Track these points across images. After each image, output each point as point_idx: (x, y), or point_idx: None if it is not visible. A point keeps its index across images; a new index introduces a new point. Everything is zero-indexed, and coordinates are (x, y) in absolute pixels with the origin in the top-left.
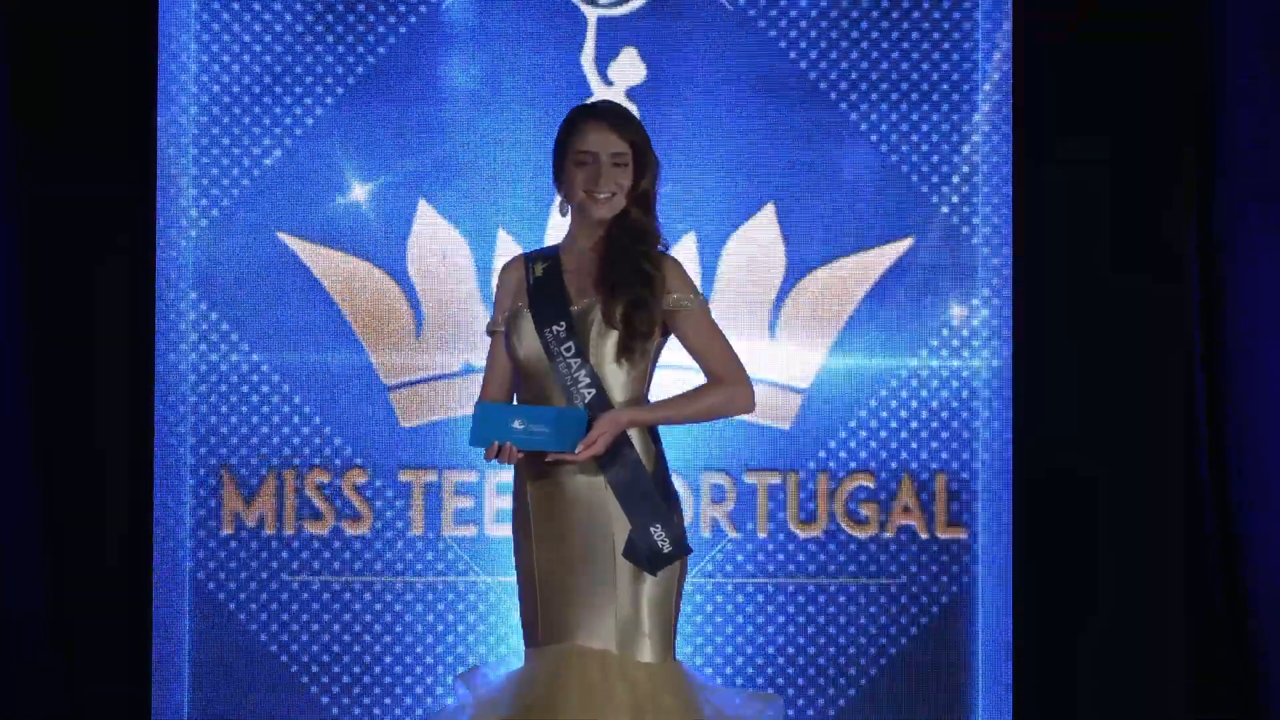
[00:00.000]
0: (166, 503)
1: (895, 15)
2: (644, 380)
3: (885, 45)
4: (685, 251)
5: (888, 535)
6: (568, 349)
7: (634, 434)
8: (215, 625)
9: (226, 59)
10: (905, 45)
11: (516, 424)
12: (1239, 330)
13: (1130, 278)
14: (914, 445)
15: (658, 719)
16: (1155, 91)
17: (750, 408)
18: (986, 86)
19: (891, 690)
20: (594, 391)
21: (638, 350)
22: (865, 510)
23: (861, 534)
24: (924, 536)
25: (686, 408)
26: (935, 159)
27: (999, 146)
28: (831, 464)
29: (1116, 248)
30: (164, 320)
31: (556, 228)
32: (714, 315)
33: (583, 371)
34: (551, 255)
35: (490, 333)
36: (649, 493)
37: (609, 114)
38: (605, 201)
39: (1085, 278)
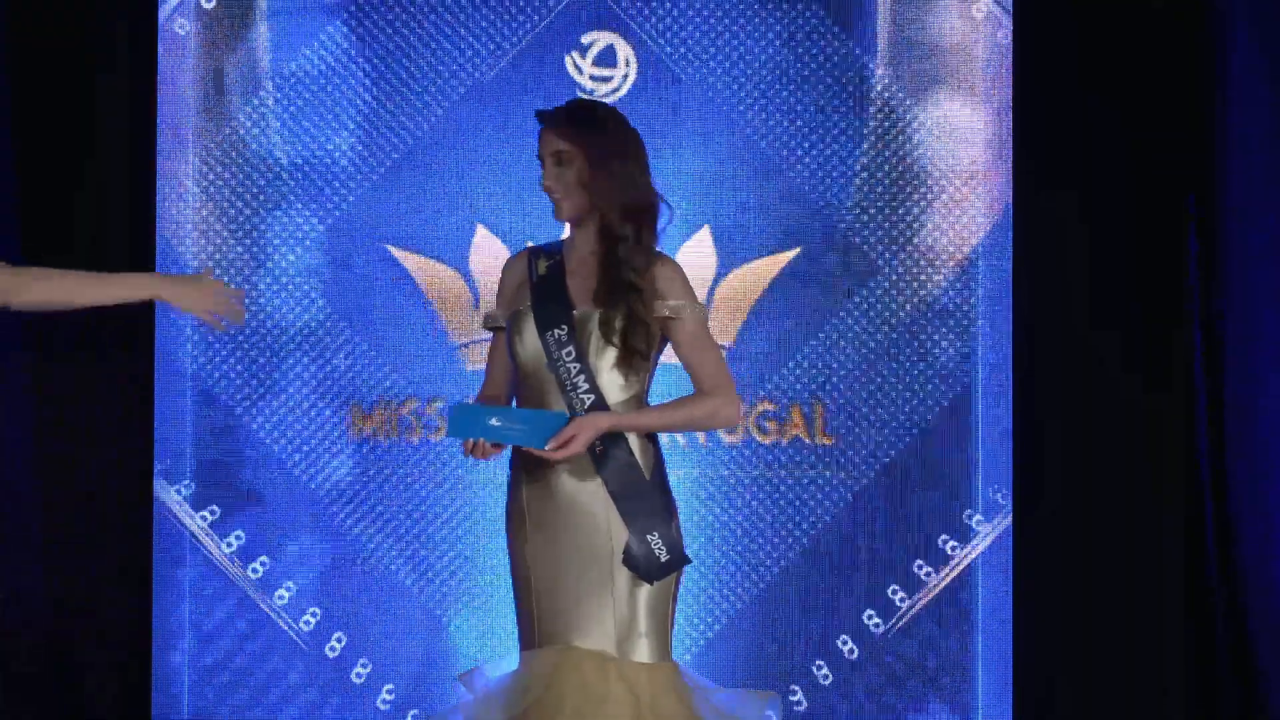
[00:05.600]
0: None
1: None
2: (643, 384)
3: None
4: None
5: (781, 442)
6: (568, 354)
7: (633, 440)
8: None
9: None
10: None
11: (494, 420)
12: (1238, 330)
13: (1131, 280)
14: (813, 387)
15: None
16: (1155, 86)
17: (734, 421)
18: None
19: (794, 560)
20: (593, 398)
21: (636, 362)
22: (768, 425)
23: (766, 441)
24: (808, 442)
25: (669, 417)
26: (831, 174)
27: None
28: (746, 394)
29: (1115, 249)
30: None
31: None
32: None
33: (581, 377)
34: (555, 252)
35: (489, 327)
36: (646, 500)
37: (552, 115)
38: (559, 202)
39: (1085, 279)
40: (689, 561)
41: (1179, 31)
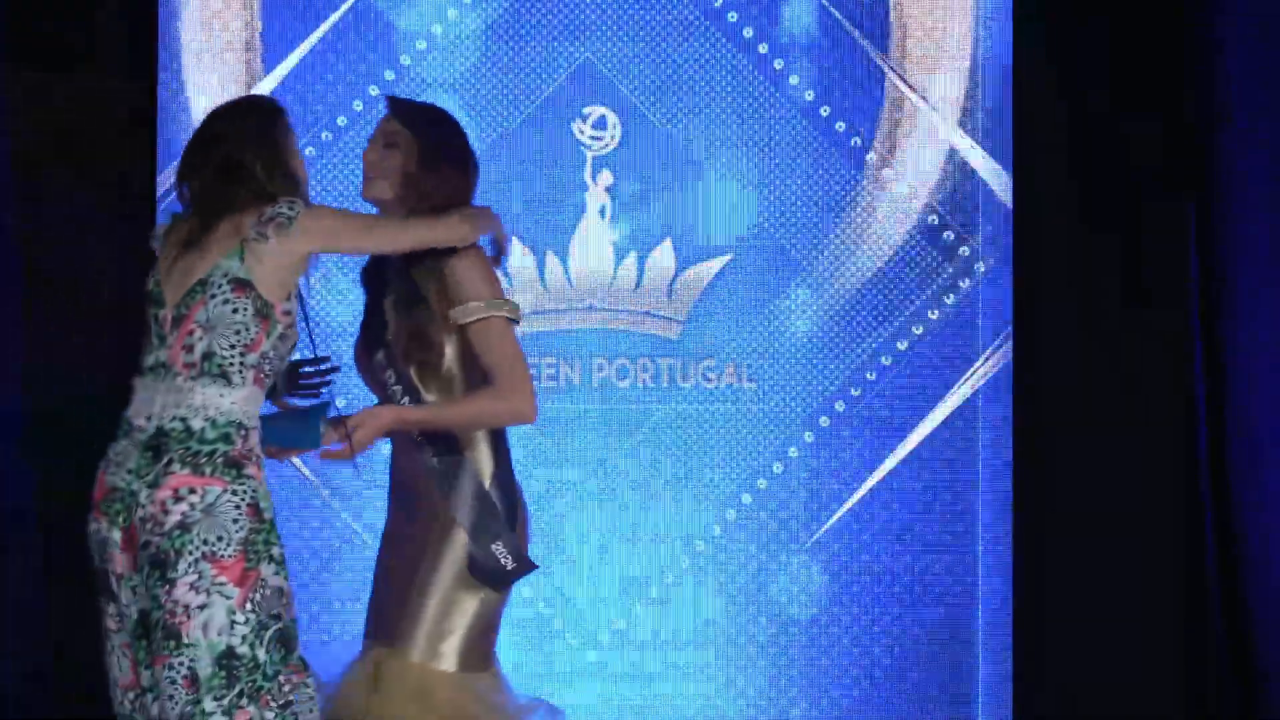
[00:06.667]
0: None
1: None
2: (470, 383)
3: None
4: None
5: (719, 387)
6: (390, 376)
7: (479, 444)
8: None
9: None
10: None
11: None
12: (1238, 330)
13: (1131, 282)
14: (741, 349)
15: None
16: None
17: (529, 418)
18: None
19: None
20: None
21: (438, 374)
22: (711, 375)
23: (709, 386)
24: (735, 384)
25: (460, 411)
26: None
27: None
28: (694, 352)
29: (1115, 249)
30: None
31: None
32: (647, 296)
33: (406, 400)
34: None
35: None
36: (488, 508)
37: (401, 103)
38: (374, 180)
39: (1085, 279)
40: (535, 568)
41: (1179, 31)
